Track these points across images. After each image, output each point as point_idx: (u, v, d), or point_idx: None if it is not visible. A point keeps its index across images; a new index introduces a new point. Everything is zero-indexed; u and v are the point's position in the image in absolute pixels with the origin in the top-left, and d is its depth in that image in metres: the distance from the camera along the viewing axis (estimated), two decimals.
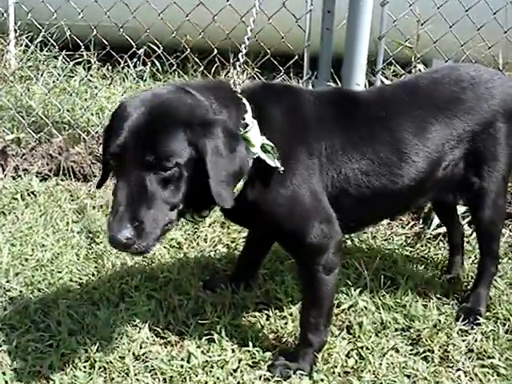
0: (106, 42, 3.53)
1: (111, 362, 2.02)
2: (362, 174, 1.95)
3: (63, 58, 4.17)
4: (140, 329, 2.17)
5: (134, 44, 3.50)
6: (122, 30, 3.38)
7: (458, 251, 2.57)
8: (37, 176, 3.35)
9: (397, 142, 1.98)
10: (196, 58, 3.77)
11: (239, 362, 2.05)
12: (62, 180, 3.34)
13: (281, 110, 1.88)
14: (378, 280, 2.45)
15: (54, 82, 4.09)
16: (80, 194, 3.19)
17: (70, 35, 3.64)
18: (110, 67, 4.47)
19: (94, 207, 3.06)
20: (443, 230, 2.78)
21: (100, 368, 2.01)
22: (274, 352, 2.10)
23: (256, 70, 4.08)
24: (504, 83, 2.17)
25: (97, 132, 3.51)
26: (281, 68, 3.47)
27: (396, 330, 2.24)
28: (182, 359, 2.05)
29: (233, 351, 2.09)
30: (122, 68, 4.28)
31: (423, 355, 2.12)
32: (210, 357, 2.05)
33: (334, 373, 2.02)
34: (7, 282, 2.43)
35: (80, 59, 4.41)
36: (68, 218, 2.94)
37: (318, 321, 1.99)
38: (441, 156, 2.05)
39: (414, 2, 3.14)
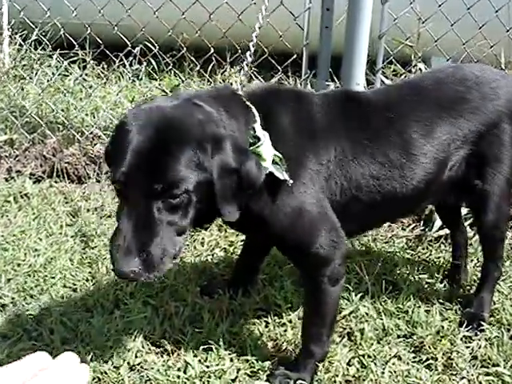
0: (101, 41, 3.47)
1: (105, 373, 1.96)
2: (373, 179, 1.89)
3: (57, 56, 4.10)
4: (135, 337, 2.11)
5: (129, 43, 3.44)
6: (116, 28, 3.31)
7: (461, 254, 2.52)
8: (30, 178, 3.29)
9: (405, 143, 1.93)
10: (192, 57, 3.71)
11: (238, 372, 1.99)
12: (55, 182, 3.27)
13: (290, 119, 1.82)
14: (379, 285, 2.40)
15: (48, 81, 4.02)
16: (74, 196, 3.12)
17: (64, 34, 3.56)
18: (105, 66, 4.41)
19: (88, 210, 3.00)
20: (445, 232, 2.73)
21: (94, 379, 1.95)
22: (273, 361, 2.04)
23: (254, 68, 4.01)
24: (509, 83, 2.11)
25: (91, 133, 3.44)
26: (279, 67, 3.42)
27: (398, 336, 2.19)
28: (179, 369, 1.99)
29: (231, 360, 2.04)
30: (118, 67, 4.21)
31: (426, 363, 2.06)
32: (207, 366, 2.00)
33: (335, 382, 1.97)
34: None
35: (75, 58, 4.34)
36: (62, 221, 2.88)
37: (321, 331, 1.94)
38: (447, 156, 2.00)
39: None
